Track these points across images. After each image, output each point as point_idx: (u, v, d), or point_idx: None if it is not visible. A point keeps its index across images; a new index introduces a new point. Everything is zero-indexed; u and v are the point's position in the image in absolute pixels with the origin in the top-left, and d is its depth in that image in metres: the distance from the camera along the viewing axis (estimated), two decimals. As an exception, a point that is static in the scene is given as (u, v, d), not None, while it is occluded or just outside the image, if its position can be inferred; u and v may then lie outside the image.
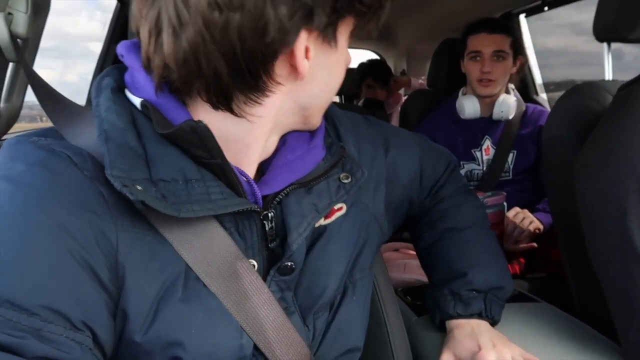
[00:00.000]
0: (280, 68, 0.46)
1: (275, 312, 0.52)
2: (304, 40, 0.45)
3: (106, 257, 0.43)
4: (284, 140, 0.55)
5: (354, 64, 2.82)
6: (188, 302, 0.46)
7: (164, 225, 0.46)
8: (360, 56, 3.28)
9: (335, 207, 0.59)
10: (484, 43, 1.43)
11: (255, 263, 0.52)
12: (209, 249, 0.48)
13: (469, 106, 1.49)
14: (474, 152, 1.52)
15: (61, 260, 0.41)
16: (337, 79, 0.53)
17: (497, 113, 1.47)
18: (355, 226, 0.62)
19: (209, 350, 0.47)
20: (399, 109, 2.16)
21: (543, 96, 1.96)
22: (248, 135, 0.50)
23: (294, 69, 0.47)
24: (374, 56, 3.16)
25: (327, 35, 0.47)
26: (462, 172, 1.52)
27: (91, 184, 0.44)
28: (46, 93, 0.52)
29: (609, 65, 1.03)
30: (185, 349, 0.46)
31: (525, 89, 1.92)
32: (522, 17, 1.95)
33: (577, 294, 0.94)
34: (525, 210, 1.40)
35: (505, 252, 1.38)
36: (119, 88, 0.49)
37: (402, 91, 2.79)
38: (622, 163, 0.70)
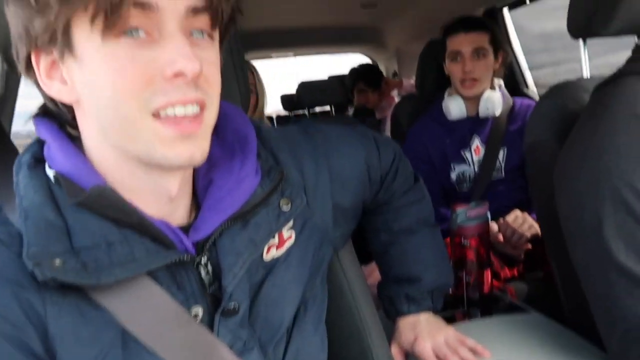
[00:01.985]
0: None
1: None
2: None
3: (37, 329, 0.43)
4: (210, 179, 0.54)
5: (344, 70, 2.80)
6: None
7: (94, 291, 0.45)
8: (353, 61, 3.27)
9: (285, 237, 0.58)
10: (462, 42, 1.42)
11: (199, 310, 0.51)
12: (144, 309, 0.47)
13: (454, 107, 1.47)
14: (464, 152, 1.50)
15: None
16: (103, 93, 0.44)
17: (482, 110, 1.45)
18: (307, 251, 0.61)
19: None
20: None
21: (533, 89, 1.93)
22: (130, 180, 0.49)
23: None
24: (368, 61, 3.15)
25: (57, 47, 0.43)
26: (454, 175, 1.50)
27: (18, 259, 0.44)
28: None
29: (586, 62, 1.01)
30: None
31: (515, 83, 1.90)
32: (505, 10, 1.93)
33: (565, 300, 0.93)
34: (525, 214, 1.38)
35: (504, 256, 1.38)
36: (38, 162, 0.50)
37: (395, 93, 2.77)
38: (596, 169, 0.68)
